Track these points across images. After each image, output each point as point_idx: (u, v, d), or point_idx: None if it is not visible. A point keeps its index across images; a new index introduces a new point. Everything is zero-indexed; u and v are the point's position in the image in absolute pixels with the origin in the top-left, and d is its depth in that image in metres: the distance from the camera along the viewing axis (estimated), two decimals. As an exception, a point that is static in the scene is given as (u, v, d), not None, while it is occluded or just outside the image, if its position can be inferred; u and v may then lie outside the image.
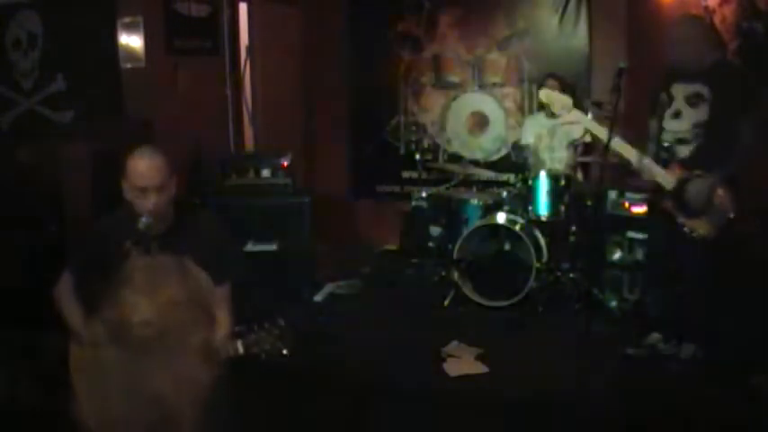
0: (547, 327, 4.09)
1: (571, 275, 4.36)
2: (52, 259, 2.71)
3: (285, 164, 4.72)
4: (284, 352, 2.12)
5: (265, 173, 4.72)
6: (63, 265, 2.58)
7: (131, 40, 4.65)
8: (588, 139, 4.75)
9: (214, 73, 5.26)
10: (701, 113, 3.31)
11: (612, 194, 4.29)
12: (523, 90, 5.63)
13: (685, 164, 3.36)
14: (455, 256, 4.40)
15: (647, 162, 3.40)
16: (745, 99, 3.26)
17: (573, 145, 4.68)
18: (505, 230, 4.46)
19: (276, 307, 3.75)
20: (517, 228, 4.36)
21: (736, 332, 3.42)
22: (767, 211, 3.54)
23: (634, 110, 4.44)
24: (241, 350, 2.11)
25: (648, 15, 4.90)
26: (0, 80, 5.14)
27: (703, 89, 3.30)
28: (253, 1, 5.66)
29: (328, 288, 4.94)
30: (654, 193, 3.53)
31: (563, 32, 5.46)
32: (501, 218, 4.49)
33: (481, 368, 3.54)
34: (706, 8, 4.39)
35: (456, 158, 5.67)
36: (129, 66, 4.68)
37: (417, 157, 5.08)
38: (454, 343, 3.83)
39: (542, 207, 4.46)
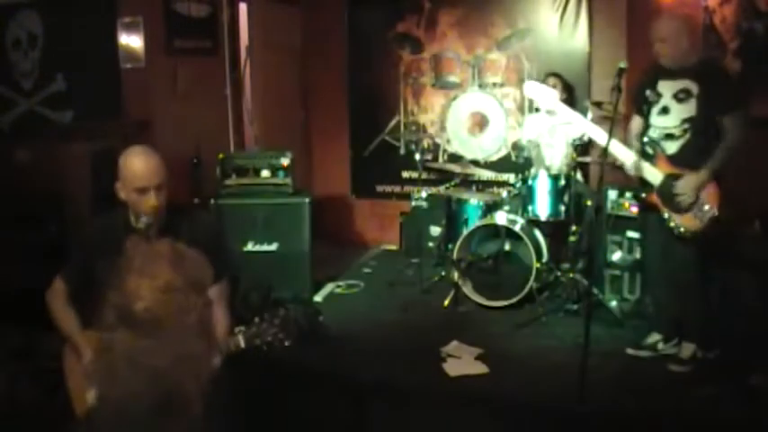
0: (547, 327, 4.09)
1: (571, 275, 4.36)
2: (52, 259, 2.71)
3: (285, 164, 4.71)
4: (286, 343, 2.12)
5: (265, 173, 4.72)
6: (63, 265, 2.59)
7: (131, 40, 4.65)
8: (587, 138, 4.75)
9: (214, 73, 5.26)
10: (689, 109, 3.33)
11: (612, 194, 4.29)
12: (523, 90, 5.62)
13: (673, 159, 3.38)
14: (455, 256, 4.40)
15: (636, 157, 3.42)
16: (730, 97, 3.30)
17: (573, 144, 4.67)
18: (505, 230, 4.46)
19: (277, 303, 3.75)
20: (517, 228, 4.35)
21: (732, 331, 3.42)
22: (764, 211, 3.55)
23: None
24: (242, 344, 2.11)
25: (648, 15, 4.89)
26: (0, 80, 5.15)
27: (692, 85, 3.32)
28: (253, 1, 5.66)
29: (328, 288, 4.94)
30: (642, 189, 3.54)
31: (563, 32, 5.46)
32: (501, 218, 4.49)
33: (481, 368, 3.54)
34: (706, 8, 4.39)
35: (456, 158, 5.67)
36: (129, 66, 4.68)
37: (417, 157, 5.08)
38: (454, 343, 3.83)
39: (542, 207, 4.46)
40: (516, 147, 5.45)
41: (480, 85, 5.68)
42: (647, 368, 3.50)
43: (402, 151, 6.08)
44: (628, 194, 4.22)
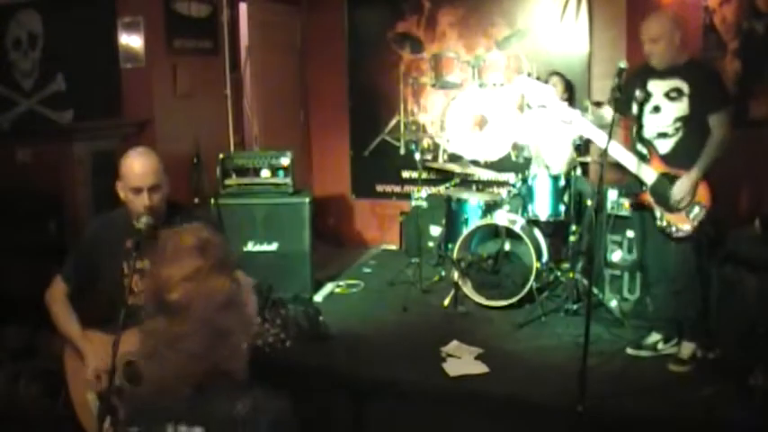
0: (547, 327, 4.09)
1: (571, 275, 4.36)
2: (52, 259, 2.71)
3: (285, 164, 4.72)
4: (287, 344, 2.12)
5: (265, 173, 4.72)
6: (62, 264, 2.59)
7: (131, 40, 4.65)
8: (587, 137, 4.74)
9: (214, 73, 5.26)
10: (682, 108, 3.33)
11: (612, 194, 4.29)
12: (514, 83, 5.61)
13: (666, 159, 3.38)
14: (455, 256, 4.40)
15: (629, 156, 3.43)
16: (718, 95, 3.31)
17: (573, 144, 4.67)
18: (505, 230, 4.46)
19: (278, 304, 3.75)
20: (517, 228, 4.35)
21: (732, 331, 3.42)
22: (764, 211, 3.55)
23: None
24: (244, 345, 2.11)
25: (648, 15, 4.90)
26: (0, 80, 5.15)
27: (682, 84, 3.32)
28: (253, 1, 5.66)
29: (328, 288, 4.94)
30: (636, 188, 3.55)
31: (563, 32, 5.47)
32: (501, 218, 4.49)
33: (481, 368, 3.54)
34: (706, 8, 4.39)
35: (456, 158, 5.67)
36: (129, 66, 4.69)
37: (417, 157, 5.07)
38: (454, 343, 3.83)
39: (542, 207, 4.46)
40: (516, 147, 5.45)
41: (480, 85, 5.67)
42: (647, 368, 3.50)
43: (402, 151, 6.08)
44: (624, 191, 4.22)
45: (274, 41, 5.91)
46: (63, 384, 2.53)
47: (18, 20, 5.04)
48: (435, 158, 5.86)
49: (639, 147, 3.47)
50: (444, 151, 5.88)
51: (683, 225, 3.32)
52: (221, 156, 4.75)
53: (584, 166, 5.14)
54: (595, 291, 4.25)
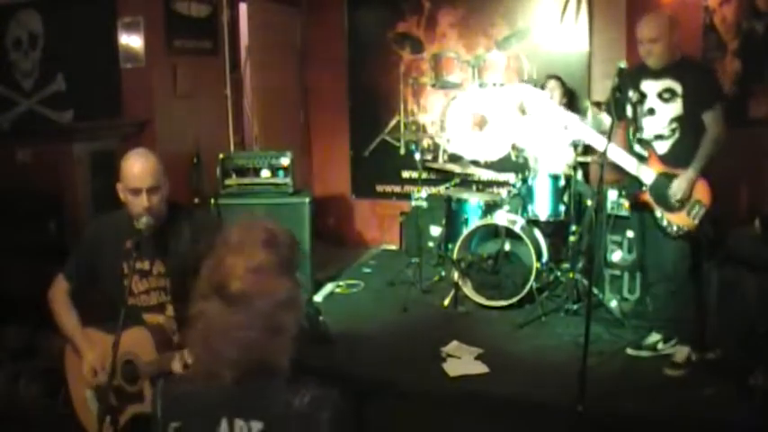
0: (547, 327, 4.09)
1: (571, 275, 4.35)
2: (52, 259, 2.71)
3: (285, 164, 4.72)
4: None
5: (265, 173, 4.72)
6: (63, 264, 2.59)
7: (131, 40, 4.65)
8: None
9: (214, 73, 5.26)
10: (676, 108, 3.34)
11: (612, 194, 4.28)
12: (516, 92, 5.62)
13: (665, 159, 3.39)
14: (455, 256, 4.40)
15: (627, 157, 3.43)
16: (711, 92, 3.32)
17: (573, 144, 4.67)
18: (505, 230, 4.46)
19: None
20: (517, 228, 4.35)
21: (732, 331, 3.42)
22: (764, 211, 3.54)
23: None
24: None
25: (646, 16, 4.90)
26: (0, 80, 5.15)
27: (675, 84, 3.32)
28: (253, 1, 5.66)
29: (328, 288, 4.94)
30: (635, 188, 3.55)
31: (563, 32, 5.46)
32: (501, 218, 4.49)
33: (481, 368, 3.54)
34: (706, 8, 4.39)
35: (456, 158, 5.67)
36: (129, 66, 4.68)
37: (417, 157, 5.08)
38: (454, 343, 3.83)
39: (542, 207, 4.46)
40: (515, 147, 5.45)
41: (480, 85, 5.68)
42: (647, 368, 3.50)
43: (402, 151, 6.08)
44: (624, 191, 4.22)
45: (274, 41, 5.91)
46: (63, 383, 2.54)
47: (18, 20, 5.04)
48: (435, 158, 5.86)
49: (638, 148, 3.47)
50: (444, 151, 5.88)
51: (682, 224, 3.32)
52: (221, 156, 4.75)
53: (585, 166, 5.14)
54: (595, 291, 4.25)
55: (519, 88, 3.69)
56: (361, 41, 6.13)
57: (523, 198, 4.57)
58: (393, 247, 5.97)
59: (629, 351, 3.66)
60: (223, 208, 4.55)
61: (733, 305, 3.48)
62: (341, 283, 5.03)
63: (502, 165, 5.60)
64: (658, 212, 3.38)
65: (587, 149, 4.97)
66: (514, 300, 4.29)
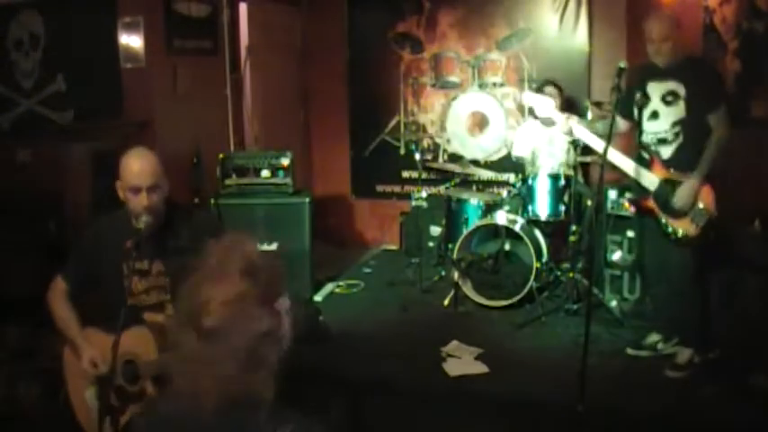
0: (547, 327, 4.09)
1: (571, 275, 4.36)
2: (52, 259, 2.71)
3: (285, 164, 4.72)
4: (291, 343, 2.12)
5: (265, 173, 4.72)
6: (63, 265, 2.59)
7: (131, 40, 4.65)
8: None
9: (214, 73, 5.26)
10: (678, 111, 3.32)
11: (612, 194, 4.28)
12: (523, 90, 5.62)
13: (669, 163, 3.37)
14: (455, 256, 4.40)
15: (631, 163, 3.42)
16: (715, 94, 3.29)
17: (573, 144, 4.67)
18: (505, 230, 4.46)
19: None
20: (517, 228, 4.35)
21: (732, 331, 3.42)
22: (764, 211, 3.54)
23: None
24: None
25: (648, 16, 4.90)
26: (1, 80, 5.15)
27: (678, 87, 3.31)
28: (253, 1, 5.66)
29: (328, 288, 4.94)
30: (639, 193, 3.54)
31: (563, 32, 5.46)
32: (501, 218, 4.49)
33: (481, 368, 3.54)
34: (706, 8, 4.38)
35: (456, 158, 5.67)
36: (129, 66, 4.69)
37: (417, 157, 5.08)
38: (454, 343, 3.83)
39: (542, 207, 4.46)
40: (514, 148, 5.45)
41: (480, 85, 5.68)
42: (647, 368, 3.50)
43: (402, 151, 6.08)
44: (628, 194, 4.22)
45: (274, 41, 5.91)
46: (63, 384, 2.53)
47: (19, 20, 5.04)
48: (435, 158, 5.86)
49: (642, 152, 3.45)
50: (444, 151, 5.89)
51: (686, 230, 3.29)
52: (221, 156, 4.75)
53: (585, 166, 5.14)
54: (595, 291, 4.25)
55: (526, 96, 3.68)
56: (361, 41, 6.13)
57: (523, 198, 4.57)
58: (393, 247, 5.97)
59: (629, 351, 3.66)
60: (223, 208, 4.56)
61: (733, 305, 3.48)
62: (341, 283, 5.03)
63: (502, 165, 5.61)
64: (662, 219, 3.37)
65: (587, 149, 4.98)
66: (514, 300, 4.29)
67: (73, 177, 4.19)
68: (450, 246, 4.66)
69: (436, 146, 5.95)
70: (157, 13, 4.70)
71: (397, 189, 6.16)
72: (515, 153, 5.06)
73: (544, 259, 4.43)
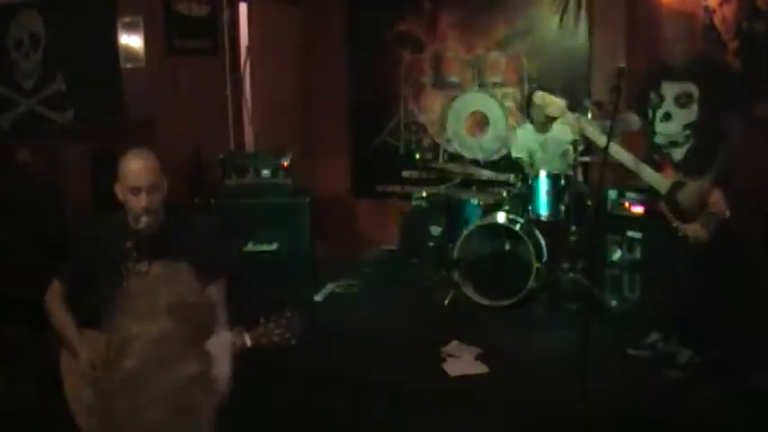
0: (547, 327, 4.09)
1: (571, 275, 4.35)
2: (52, 259, 2.71)
3: (285, 164, 4.72)
4: (292, 342, 2.12)
5: (265, 173, 4.72)
6: (62, 265, 2.59)
7: (131, 40, 4.65)
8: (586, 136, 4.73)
9: (214, 73, 5.26)
10: (691, 114, 3.29)
11: (612, 194, 4.28)
12: (523, 90, 5.62)
13: (679, 166, 3.33)
14: (455, 256, 4.40)
15: (642, 166, 3.39)
16: (732, 96, 3.24)
17: (572, 145, 4.67)
18: (505, 230, 4.46)
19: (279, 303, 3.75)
20: (517, 228, 4.35)
21: (734, 333, 3.41)
22: (764, 211, 3.54)
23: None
24: (249, 343, 2.12)
25: (648, 15, 4.90)
26: (1, 80, 5.15)
27: (692, 87, 3.27)
28: (253, 1, 5.66)
29: (328, 288, 4.94)
30: (649, 196, 3.51)
31: (563, 32, 5.46)
32: (501, 218, 4.49)
33: (481, 368, 3.54)
34: (706, 8, 4.39)
35: (456, 158, 5.67)
36: (129, 66, 4.69)
37: (417, 157, 5.08)
38: (454, 343, 3.83)
39: (542, 207, 4.46)
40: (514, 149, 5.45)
41: (480, 85, 5.67)
42: (646, 368, 3.50)
43: (402, 151, 6.08)
44: (628, 194, 4.22)
45: (274, 41, 5.91)
46: (60, 385, 2.53)
47: (19, 21, 5.04)
48: (435, 158, 5.85)
49: (654, 154, 3.42)
50: (444, 151, 5.88)
51: (696, 234, 3.24)
52: (221, 156, 4.75)
53: (585, 166, 5.14)
54: (595, 291, 4.25)
55: (538, 96, 3.67)
56: (361, 41, 6.13)
57: (523, 198, 4.57)
58: (393, 248, 5.96)
59: (629, 351, 3.65)
60: (223, 208, 4.56)
61: (734, 305, 3.48)
62: (341, 283, 5.02)
63: (502, 165, 5.60)
64: (674, 223, 3.33)
65: (587, 150, 4.98)
66: (514, 300, 4.29)
67: (73, 177, 4.20)
68: (450, 246, 4.66)
69: (436, 146, 5.94)
70: (157, 13, 4.70)
71: (397, 189, 6.15)
72: (514, 154, 5.07)
73: (544, 259, 4.43)
